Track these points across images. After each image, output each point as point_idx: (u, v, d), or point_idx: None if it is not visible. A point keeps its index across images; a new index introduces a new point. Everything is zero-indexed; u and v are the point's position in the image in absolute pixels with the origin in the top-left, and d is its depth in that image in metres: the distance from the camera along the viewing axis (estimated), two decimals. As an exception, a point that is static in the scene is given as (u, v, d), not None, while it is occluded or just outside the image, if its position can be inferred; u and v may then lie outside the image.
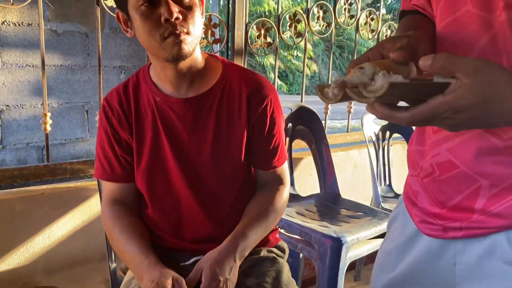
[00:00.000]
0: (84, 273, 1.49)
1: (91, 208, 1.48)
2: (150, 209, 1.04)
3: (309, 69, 14.46)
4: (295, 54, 14.51)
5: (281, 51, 2.28)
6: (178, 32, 0.86)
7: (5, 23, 2.18)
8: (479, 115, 0.51)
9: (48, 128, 1.45)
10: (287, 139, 1.93)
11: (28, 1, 1.41)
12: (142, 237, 0.97)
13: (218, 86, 0.99)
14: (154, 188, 1.02)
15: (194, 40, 0.90)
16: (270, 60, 13.51)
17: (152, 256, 0.92)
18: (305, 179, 2.06)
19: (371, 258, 2.32)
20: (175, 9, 0.85)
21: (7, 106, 2.23)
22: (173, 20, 0.85)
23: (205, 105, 0.98)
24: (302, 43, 2.11)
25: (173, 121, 0.98)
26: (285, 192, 1.08)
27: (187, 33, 0.88)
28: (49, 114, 1.45)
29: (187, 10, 0.88)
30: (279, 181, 1.08)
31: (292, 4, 14.99)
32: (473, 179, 0.67)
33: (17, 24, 2.21)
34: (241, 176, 1.04)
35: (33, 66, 2.27)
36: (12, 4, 1.34)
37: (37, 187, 1.43)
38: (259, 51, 2.00)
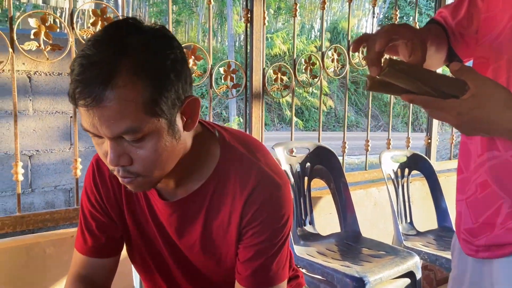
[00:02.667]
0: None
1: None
2: None
3: (325, 105, 14.61)
4: (310, 91, 14.72)
5: (296, 88, 2.34)
6: (124, 178, 0.70)
7: (37, 73, 2.32)
8: (477, 119, 0.63)
9: (79, 173, 1.52)
10: (306, 178, 1.97)
11: (63, 56, 1.52)
12: None
13: (211, 183, 0.80)
14: (151, 274, 0.94)
15: (153, 178, 0.72)
16: (286, 97, 13.73)
17: None
18: (325, 218, 2.07)
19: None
20: (117, 155, 0.67)
21: (37, 151, 2.34)
22: (113, 168, 0.70)
23: (191, 209, 0.82)
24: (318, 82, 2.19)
25: (160, 219, 0.86)
26: None
27: (138, 176, 0.70)
28: (79, 160, 1.52)
29: (140, 152, 0.68)
30: None
31: (305, 43, 15.36)
32: (499, 197, 0.76)
33: (47, 74, 2.35)
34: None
35: (62, 112, 2.39)
36: (47, 59, 1.45)
37: (66, 230, 1.48)
38: (276, 94, 2.07)
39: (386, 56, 0.69)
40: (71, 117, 2.42)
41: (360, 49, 0.68)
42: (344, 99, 2.33)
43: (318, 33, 19.80)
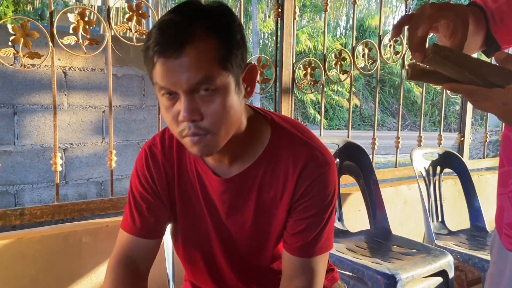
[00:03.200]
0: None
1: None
2: (190, 276, 1.02)
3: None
4: (335, 89, 14.58)
5: (315, 86, 2.33)
6: (194, 135, 0.73)
7: (71, 68, 2.39)
8: None
9: (113, 164, 1.56)
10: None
11: (100, 50, 1.56)
12: None
13: (263, 161, 0.85)
14: (194, 259, 0.97)
15: (220, 138, 0.75)
16: (310, 96, 13.63)
17: None
18: (354, 215, 2.06)
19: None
20: (191, 109, 0.71)
21: (71, 144, 2.41)
22: (186, 122, 0.73)
23: (245, 185, 0.86)
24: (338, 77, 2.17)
25: (212, 198, 0.89)
26: None
27: (208, 133, 0.74)
28: (114, 152, 1.56)
29: (212, 105, 0.72)
30: (309, 281, 0.86)
31: (331, 41, 15.21)
32: None
33: (82, 69, 2.41)
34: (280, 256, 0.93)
35: (95, 107, 2.45)
36: (85, 53, 1.49)
37: (102, 220, 1.52)
38: (305, 89, 2.07)
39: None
40: (103, 111, 2.48)
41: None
42: (375, 94, 2.30)
43: (344, 31, 19.58)
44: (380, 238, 1.90)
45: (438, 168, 2.20)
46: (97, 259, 1.45)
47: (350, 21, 19.73)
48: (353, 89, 2.33)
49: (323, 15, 2.18)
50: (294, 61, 1.96)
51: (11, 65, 1.49)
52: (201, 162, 0.87)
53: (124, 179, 2.56)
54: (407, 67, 0.66)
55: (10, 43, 1.34)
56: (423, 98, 2.51)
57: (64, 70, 2.34)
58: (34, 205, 1.42)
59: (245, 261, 0.94)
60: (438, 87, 3.00)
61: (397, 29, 0.68)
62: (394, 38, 2.18)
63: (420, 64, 0.64)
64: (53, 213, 1.43)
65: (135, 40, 1.56)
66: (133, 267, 0.90)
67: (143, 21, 1.58)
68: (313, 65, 2.02)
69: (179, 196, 0.91)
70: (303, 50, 15.26)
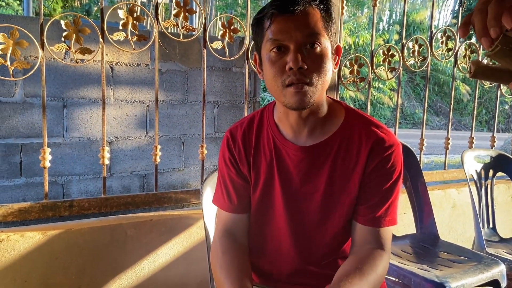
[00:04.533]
0: (182, 299, 1.56)
1: (192, 236, 1.56)
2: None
3: (392, 100, 14.05)
4: (376, 85, 14.23)
5: (361, 83, 2.25)
6: (299, 82, 0.84)
7: (118, 64, 2.44)
8: None
9: (158, 159, 1.57)
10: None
11: (148, 46, 1.57)
12: (238, 278, 0.91)
13: (338, 136, 0.95)
14: (258, 228, 1.04)
15: (316, 91, 0.86)
16: (349, 92, 13.37)
17: None
18: (399, 218, 1.97)
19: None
20: (300, 58, 0.83)
21: (116, 137, 2.46)
22: (296, 69, 0.84)
23: (321, 155, 0.95)
24: (384, 75, 2.08)
25: (288, 167, 0.97)
26: (386, 260, 0.94)
27: (310, 83, 0.85)
28: (159, 147, 1.58)
29: (315, 59, 0.85)
30: (380, 245, 0.95)
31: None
32: None
33: (128, 64, 2.45)
34: (345, 230, 1.01)
35: (139, 101, 2.49)
36: (134, 49, 1.50)
37: (146, 213, 1.54)
38: (350, 85, 2.00)
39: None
40: (147, 106, 2.52)
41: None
42: (423, 93, 2.20)
43: (387, 26, 19.03)
44: (427, 244, 1.82)
45: (491, 172, 2.08)
46: (141, 252, 1.47)
47: (393, 16, 19.14)
48: (394, 86, 2.23)
49: (367, 10, 2.10)
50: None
51: (62, 59, 1.53)
52: (280, 137, 0.97)
53: (165, 173, 2.60)
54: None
55: (62, 39, 1.37)
56: (476, 97, 2.37)
57: (111, 65, 2.40)
58: (80, 196, 1.46)
59: (307, 235, 0.99)
60: (487, 84, 2.83)
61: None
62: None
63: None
64: (100, 205, 1.46)
65: (181, 36, 1.56)
66: (234, 238, 1.01)
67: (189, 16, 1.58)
68: (360, 61, 1.96)
69: (252, 171, 1.01)
70: (343, 46, 14.98)
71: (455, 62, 2.18)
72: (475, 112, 2.41)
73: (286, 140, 0.97)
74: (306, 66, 0.84)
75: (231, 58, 1.68)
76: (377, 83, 14.42)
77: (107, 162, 1.51)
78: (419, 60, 2.09)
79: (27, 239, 1.30)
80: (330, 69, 0.88)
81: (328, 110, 0.96)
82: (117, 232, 1.44)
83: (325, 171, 0.95)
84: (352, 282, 0.84)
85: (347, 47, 14.95)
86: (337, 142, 0.95)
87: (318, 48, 0.86)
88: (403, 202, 1.96)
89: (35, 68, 1.35)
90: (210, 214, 1.25)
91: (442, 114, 16.30)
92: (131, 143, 2.49)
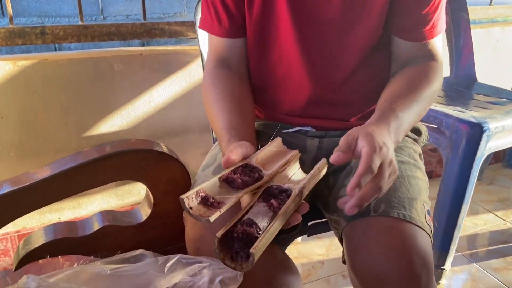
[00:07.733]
0: (184, 144, 1.43)
1: (191, 76, 1.36)
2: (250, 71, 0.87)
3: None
4: None
5: None
6: None
7: None
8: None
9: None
10: None
11: None
12: (230, 111, 0.73)
13: None
14: (259, 53, 0.83)
15: None
16: None
17: (237, 132, 0.68)
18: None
19: (496, 157, 2.00)
20: None
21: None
22: None
23: None
24: None
25: None
26: (440, 71, 0.79)
27: None
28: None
29: None
30: (431, 57, 0.79)
31: None
32: None
33: None
34: (374, 45, 0.80)
35: None
36: None
37: (135, 48, 1.32)
38: None
39: None
40: None
41: None
42: None
43: None
44: (461, 87, 1.60)
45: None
46: (131, 89, 1.29)
47: None
48: None
49: None
50: None
51: None
52: None
53: (165, 18, 2.32)
54: None
55: None
56: None
57: None
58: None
59: (324, 53, 0.78)
60: None
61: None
62: None
63: None
64: (78, 34, 1.24)
65: None
66: (229, 67, 0.83)
67: None
68: None
69: None
70: None
71: None
72: None
73: None
74: None
75: None
76: None
77: (81, -18, 1.24)
78: None
79: (-5, 70, 1.11)
80: None
81: None
82: (101, 66, 1.23)
83: None
84: (404, 103, 0.68)
85: None
86: None
87: None
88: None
89: None
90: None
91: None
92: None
